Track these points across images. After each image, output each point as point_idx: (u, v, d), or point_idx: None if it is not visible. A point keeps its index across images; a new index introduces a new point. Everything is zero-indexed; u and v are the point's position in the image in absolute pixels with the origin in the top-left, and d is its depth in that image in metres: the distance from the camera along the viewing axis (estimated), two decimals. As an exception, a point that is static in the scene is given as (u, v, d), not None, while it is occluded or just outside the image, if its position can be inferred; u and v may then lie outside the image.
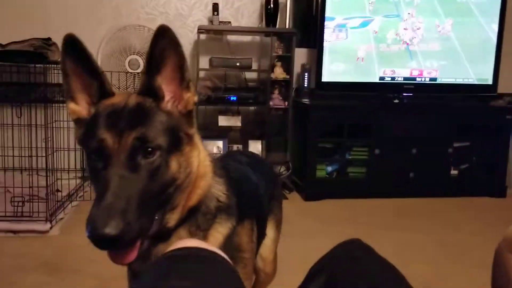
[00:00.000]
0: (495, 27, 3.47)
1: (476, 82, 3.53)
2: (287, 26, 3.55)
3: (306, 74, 3.49)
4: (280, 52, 3.37)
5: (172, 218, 0.85)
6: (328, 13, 3.31)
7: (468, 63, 3.50)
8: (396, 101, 3.41)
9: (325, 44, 3.33)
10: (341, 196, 3.31)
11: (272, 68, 3.34)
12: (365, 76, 3.43)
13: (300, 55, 3.63)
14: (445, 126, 3.40)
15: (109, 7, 3.39)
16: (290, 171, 3.58)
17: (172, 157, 0.81)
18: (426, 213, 3.05)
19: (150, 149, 0.78)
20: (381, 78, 3.44)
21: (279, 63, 3.36)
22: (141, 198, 0.74)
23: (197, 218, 0.89)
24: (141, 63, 2.95)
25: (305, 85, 3.50)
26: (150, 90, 0.83)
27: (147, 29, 3.00)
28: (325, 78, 3.39)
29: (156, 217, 0.80)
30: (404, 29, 3.40)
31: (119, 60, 2.95)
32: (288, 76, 3.33)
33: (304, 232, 2.60)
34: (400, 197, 3.34)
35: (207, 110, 3.36)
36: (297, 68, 3.54)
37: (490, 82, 3.53)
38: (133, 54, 2.95)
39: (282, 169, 3.61)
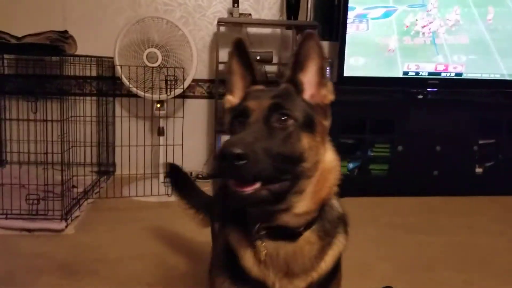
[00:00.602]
0: (525, 20, 3.34)
1: (503, 78, 3.40)
2: (308, 18, 3.45)
3: (327, 68, 3.39)
4: (301, 45, 3.27)
5: (300, 204, 0.89)
6: (350, 3, 3.20)
7: (497, 57, 3.38)
8: (420, 96, 3.31)
9: (348, 36, 3.23)
10: (362, 194, 3.22)
11: (293, 62, 3.24)
12: (388, 70, 3.32)
13: (324, 47, 3.52)
14: (470, 123, 3.30)
15: (127, -3, 3.32)
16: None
17: (304, 134, 0.88)
18: (451, 212, 2.97)
19: (285, 117, 0.86)
20: (405, 73, 3.33)
21: (300, 57, 3.26)
22: (270, 151, 0.81)
23: (325, 223, 0.94)
24: (160, 56, 2.87)
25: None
26: (293, 83, 0.94)
27: (165, 21, 2.91)
28: (347, 72, 3.29)
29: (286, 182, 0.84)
30: (429, 20, 3.28)
31: (137, 53, 2.88)
32: (310, 70, 3.23)
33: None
34: (423, 196, 3.25)
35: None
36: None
37: (517, 77, 3.41)
38: (152, 47, 2.88)
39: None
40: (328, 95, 0.97)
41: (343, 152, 3.24)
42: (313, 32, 0.92)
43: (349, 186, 3.27)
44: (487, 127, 3.36)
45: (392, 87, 3.36)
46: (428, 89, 3.35)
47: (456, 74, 3.38)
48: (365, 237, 2.42)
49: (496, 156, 3.39)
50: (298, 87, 0.94)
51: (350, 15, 3.21)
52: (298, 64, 0.95)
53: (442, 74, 3.37)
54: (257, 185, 0.80)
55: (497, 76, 3.41)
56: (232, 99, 0.99)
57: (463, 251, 2.35)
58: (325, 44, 3.55)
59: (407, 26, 3.27)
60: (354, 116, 3.25)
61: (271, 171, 0.80)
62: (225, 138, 3.25)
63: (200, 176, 3.44)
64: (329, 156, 0.96)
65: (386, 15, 3.27)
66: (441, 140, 3.27)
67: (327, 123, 0.97)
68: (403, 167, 3.27)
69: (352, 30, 3.23)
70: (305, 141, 0.87)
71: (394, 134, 3.25)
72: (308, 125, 0.89)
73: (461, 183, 3.33)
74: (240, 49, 0.97)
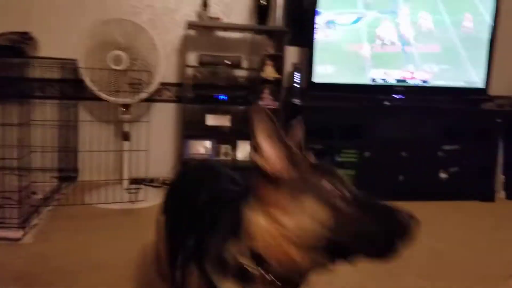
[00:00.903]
0: (486, 31, 3.44)
1: (467, 85, 3.49)
2: (278, 24, 3.44)
3: (297, 73, 3.39)
4: (271, 51, 3.26)
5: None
6: (323, 9, 3.22)
7: (460, 66, 3.46)
8: (387, 103, 3.35)
9: (316, 42, 3.24)
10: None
11: (262, 67, 3.24)
12: (357, 77, 3.35)
13: (292, 54, 3.53)
14: (435, 129, 3.36)
15: (92, -1, 3.23)
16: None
17: None
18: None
19: None
20: (373, 80, 3.37)
21: (270, 62, 3.25)
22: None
23: None
24: (125, 59, 2.80)
25: (296, 85, 3.40)
26: None
27: (131, 23, 2.85)
28: (317, 78, 3.30)
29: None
30: (397, 27, 3.34)
31: (102, 55, 2.80)
32: (279, 76, 3.23)
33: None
34: (389, 200, 3.28)
35: (194, 108, 3.23)
36: (288, 67, 3.45)
37: (480, 85, 3.50)
38: (118, 49, 2.80)
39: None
40: None
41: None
42: (259, 108, 0.87)
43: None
44: (452, 133, 3.42)
45: (360, 93, 3.39)
46: (395, 96, 3.40)
47: (423, 82, 3.44)
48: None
49: (460, 162, 3.46)
50: None
51: (320, 21, 3.23)
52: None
53: (409, 81, 3.43)
54: None
55: (461, 84, 3.49)
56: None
57: (427, 257, 2.37)
58: (295, 50, 3.57)
59: (376, 33, 3.32)
60: (322, 122, 3.25)
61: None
62: (193, 143, 3.20)
63: (166, 182, 3.38)
64: None
65: (356, 21, 3.30)
66: (407, 146, 3.32)
67: None
68: (370, 173, 3.29)
69: (321, 36, 3.25)
70: None
71: (361, 140, 3.28)
72: None
73: (426, 188, 3.39)
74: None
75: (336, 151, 3.30)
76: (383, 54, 3.35)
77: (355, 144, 3.31)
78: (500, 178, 3.56)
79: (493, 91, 3.69)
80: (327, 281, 1.97)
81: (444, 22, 3.38)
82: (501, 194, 3.55)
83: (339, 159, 3.32)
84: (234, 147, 3.28)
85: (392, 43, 3.34)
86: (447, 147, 3.43)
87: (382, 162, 3.31)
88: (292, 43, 3.58)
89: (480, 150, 3.49)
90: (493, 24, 3.44)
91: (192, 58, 3.17)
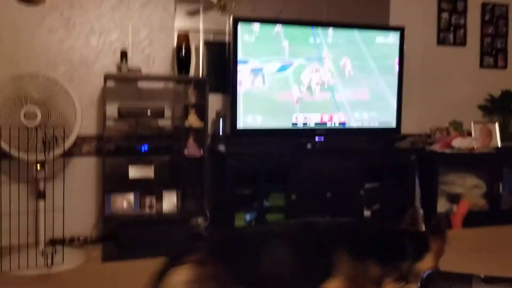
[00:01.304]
0: (396, 76, 3.71)
1: (382, 126, 3.71)
2: (200, 72, 3.49)
3: (221, 120, 3.42)
4: (194, 99, 3.27)
5: None
6: (242, 57, 3.31)
7: (374, 108, 3.68)
8: (309, 146, 3.46)
9: (239, 89, 3.32)
10: (261, 245, 3.22)
11: (186, 115, 3.23)
12: (280, 122, 3.45)
13: (215, 101, 3.57)
14: (356, 169, 3.50)
15: (4, 52, 3.09)
16: (208, 221, 3.44)
17: None
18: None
19: None
20: (294, 124, 3.48)
21: (193, 110, 3.25)
22: None
23: None
24: (39, 114, 2.68)
25: (221, 132, 3.43)
26: None
27: (45, 77, 2.75)
28: (241, 124, 3.35)
29: None
30: (321, 73, 3.50)
31: (12, 111, 2.65)
32: (202, 124, 3.23)
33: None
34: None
35: (115, 161, 3.13)
36: (212, 115, 3.47)
37: (394, 125, 3.73)
38: (31, 104, 2.68)
39: (199, 220, 3.46)
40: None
41: (239, 204, 3.27)
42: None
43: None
44: (371, 172, 3.59)
45: (284, 138, 3.49)
46: (316, 139, 3.53)
47: (340, 124, 3.61)
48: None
49: (381, 199, 3.62)
50: None
51: (245, 69, 3.32)
52: None
53: (328, 124, 3.58)
54: None
55: (376, 124, 3.70)
56: None
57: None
58: (219, 97, 3.62)
59: (301, 79, 3.46)
60: (249, 167, 3.29)
61: None
62: (115, 197, 3.08)
63: (87, 240, 3.20)
64: None
65: (281, 68, 3.43)
66: (331, 186, 3.42)
67: None
68: (298, 215, 3.32)
69: (246, 83, 3.33)
70: None
71: (287, 183, 3.33)
72: None
73: (352, 227, 3.48)
74: None
75: (264, 195, 3.33)
76: (306, 100, 3.48)
77: (281, 188, 3.36)
78: (420, 211, 3.73)
79: (406, 130, 3.96)
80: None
81: (364, 67, 3.61)
82: (421, 227, 3.72)
83: (267, 204, 3.35)
84: (159, 198, 3.19)
85: (315, 89, 3.49)
86: (368, 186, 3.58)
87: (308, 203, 3.37)
88: (215, 91, 3.64)
89: (399, 187, 3.68)
90: (400, 68, 3.72)
91: (112, 110, 3.10)
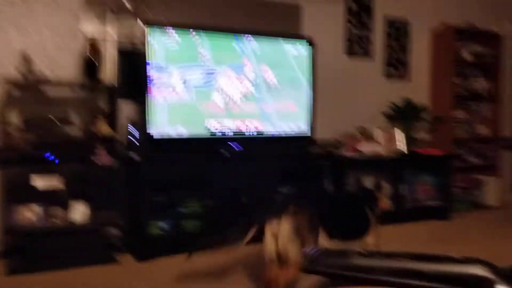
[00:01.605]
0: (308, 85, 3.88)
1: (296, 133, 3.85)
2: (111, 78, 3.41)
3: (134, 128, 3.36)
4: (103, 106, 3.19)
5: None
6: (156, 63, 3.28)
7: (289, 116, 3.81)
8: (227, 154, 3.50)
9: (153, 96, 3.28)
10: (177, 252, 3.19)
11: (95, 123, 3.14)
12: (196, 129, 3.45)
13: (129, 109, 3.51)
14: (271, 175, 3.59)
15: None
16: (122, 231, 3.35)
17: None
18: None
19: None
20: (211, 132, 3.51)
21: (103, 118, 3.17)
22: None
23: None
24: None
25: (134, 140, 3.36)
26: None
27: None
28: (156, 132, 3.31)
29: None
30: (239, 81, 3.56)
31: None
32: (113, 131, 3.15)
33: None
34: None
35: (18, 171, 2.95)
36: (125, 122, 3.40)
37: (307, 132, 3.89)
38: None
39: (113, 230, 3.36)
40: None
41: (156, 211, 3.22)
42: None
43: (163, 246, 3.24)
44: (286, 178, 3.70)
45: (200, 145, 3.49)
46: (234, 147, 3.58)
47: (257, 132, 3.69)
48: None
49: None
50: None
51: (160, 75, 3.29)
52: None
53: (245, 133, 3.64)
54: None
55: (291, 132, 3.83)
56: None
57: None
58: (131, 105, 3.56)
59: (218, 87, 3.49)
60: (164, 175, 3.25)
61: None
62: (20, 209, 2.90)
63: None
64: None
65: (198, 75, 3.43)
66: (247, 192, 3.47)
67: None
68: (214, 222, 3.35)
69: (160, 89, 3.30)
70: None
71: (204, 190, 3.34)
72: None
73: (267, 231, 3.56)
74: None
75: (180, 203, 3.30)
76: (223, 108, 3.52)
77: (198, 195, 3.36)
78: (330, 214, 3.91)
79: (318, 136, 4.14)
80: None
81: (279, 76, 3.72)
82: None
83: (183, 211, 3.33)
84: (69, 209, 3.05)
85: (232, 97, 3.54)
86: (283, 191, 3.69)
87: (225, 210, 3.39)
88: (127, 97, 3.57)
89: (312, 190, 3.83)
90: (312, 77, 3.89)
91: (15, 117, 2.93)
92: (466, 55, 4.98)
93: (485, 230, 3.91)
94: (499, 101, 5.17)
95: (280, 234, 2.19)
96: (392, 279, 0.98)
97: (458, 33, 4.88)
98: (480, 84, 5.13)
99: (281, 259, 2.18)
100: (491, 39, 5.13)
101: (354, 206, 2.74)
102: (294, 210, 2.26)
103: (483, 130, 5.16)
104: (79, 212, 3.05)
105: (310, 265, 1.10)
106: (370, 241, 2.58)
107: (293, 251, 2.16)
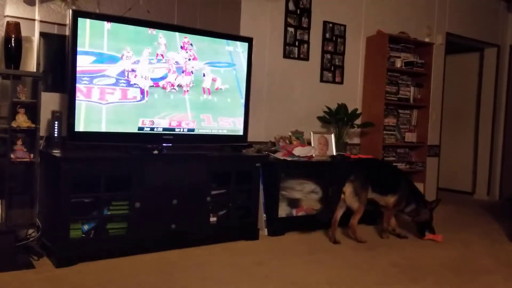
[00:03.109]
0: (244, 85, 3.82)
1: (229, 133, 3.78)
2: (34, 68, 3.15)
3: (56, 122, 3.13)
4: (23, 97, 2.93)
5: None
6: (84, 52, 3.07)
7: (223, 115, 3.73)
8: (156, 152, 3.36)
9: (79, 87, 3.07)
10: (100, 257, 3.02)
11: (14, 115, 2.88)
12: (124, 125, 3.28)
13: (52, 101, 3.27)
14: (204, 175, 3.50)
15: None
16: (40, 233, 3.11)
17: None
18: (185, 266, 3.02)
19: None
20: (140, 129, 3.35)
21: (22, 110, 2.91)
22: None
23: None
24: None
25: (56, 134, 3.13)
26: None
27: None
28: (80, 126, 3.11)
29: None
30: (169, 74, 3.42)
31: None
32: (33, 125, 2.91)
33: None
34: (163, 250, 3.25)
35: None
36: (48, 115, 3.17)
37: (241, 132, 3.83)
38: None
39: (30, 231, 3.12)
40: None
41: (78, 212, 3.02)
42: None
43: (85, 250, 3.05)
44: (219, 178, 3.62)
45: (128, 142, 3.32)
46: (164, 144, 3.44)
47: (189, 130, 3.58)
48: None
49: (227, 205, 3.67)
50: None
51: (86, 65, 3.08)
52: None
53: (176, 129, 3.52)
54: None
55: (225, 132, 3.76)
56: None
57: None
58: (56, 96, 3.33)
59: (148, 82, 3.33)
60: (88, 173, 3.05)
61: None
62: None
63: None
64: None
65: (126, 68, 3.25)
66: (177, 193, 3.36)
67: None
68: (142, 224, 3.21)
69: (87, 81, 3.09)
70: None
71: (131, 190, 3.18)
72: None
73: (197, 234, 3.47)
74: None
75: (105, 204, 3.12)
76: (149, 101, 3.36)
77: (125, 195, 3.19)
78: (262, 216, 3.89)
79: (253, 138, 4.11)
80: None
81: (214, 74, 3.62)
82: (264, 231, 3.88)
83: (108, 213, 3.15)
84: (-23, 209, 2.78)
85: (163, 92, 3.40)
86: (215, 192, 3.61)
87: (154, 212, 3.26)
88: (54, 89, 3.34)
89: (244, 193, 3.79)
90: (248, 77, 3.84)
91: None
92: (398, 62, 5.17)
93: (412, 231, 4.09)
94: (426, 109, 5.41)
95: (346, 194, 3.72)
96: None
97: (391, 41, 5.04)
98: (410, 91, 5.35)
99: (350, 208, 3.77)
100: (422, 48, 5.37)
101: (392, 175, 4.07)
102: (354, 177, 3.74)
103: (410, 137, 5.38)
104: (-10, 212, 2.79)
105: None
106: (390, 200, 3.93)
107: (354, 204, 3.72)
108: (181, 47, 3.48)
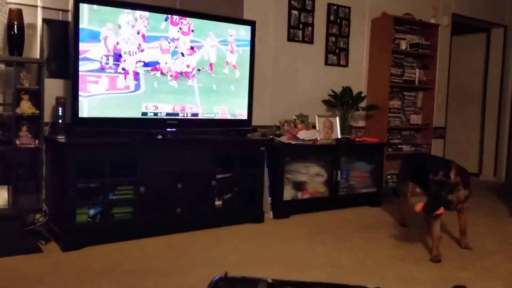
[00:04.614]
0: (247, 69, 3.80)
1: (233, 117, 3.78)
2: (38, 54, 3.16)
3: (61, 107, 3.15)
4: (27, 84, 2.94)
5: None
6: (88, 38, 3.07)
7: (226, 99, 3.73)
8: (160, 136, 3.37)
9: (83, 73, 3.07)
10: (106, 241, 3.06)
11: (18, 102, 2.89)
12: (127, 111, 3.29)
13: (56, 87, 3.29)
14: (208, 160, 3.51)
15: None
16: (47, 218, 3.15)
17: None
18: (192, 249, 3.05)
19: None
20: (144, 114, 3.36)
21: (26, 96, 2.93)
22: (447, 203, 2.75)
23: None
24: None
25: (61, 120, 3.15)
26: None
27: None
28: (84, 112, 3.12)
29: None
30: (174, 61, 3.41)
31: None
32: (38, 111, 2.93)
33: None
34: (168, 234, 3.28)
35: None
36: (52, 102, 3.18)
37: (245, 117, 3.83)
38: None
39: (37, 216, 3.16)
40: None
41: (83, 198, 3.05)
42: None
43: (91, 234, 3.09)
44: (224, 162, 3.64)
45: (132, 128, 3.34)
46: (168, 129, 3.45)
47: (193, 115, 3.58)
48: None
49: (232, 189, 3.69)
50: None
51: (91, 51, 3.08)
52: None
53: (180, 114, 3.52)
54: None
55: (228, 116, 3.76)
56: None
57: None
58: (60, 83, 3.34)
59: (152, 65, 3.32)
60: (93, 158, 3.09)
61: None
62: None
63: None
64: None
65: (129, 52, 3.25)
66: (182, 178, 3.38)
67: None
68: (147, 208, 3.24)
69: (91, 67, 3.10)
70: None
71: (136, 175, 3.20)
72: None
73: (203, 217, 3.50)
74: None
75: (110, 188, 3.15)
76: (156, 87, 3.37)
77: (129, 180, 3.22)
78: (267, 200, 3.91)
79: (257, 122, 4.10)
80: None
81: (218, 58, 3.61)
82: (269, 214, 3.91)
83: (113, 197, 3.18)
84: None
85: (167, 77, 3.40)
86: (220, 176, 3.62)
87: (158, 196, 3.29)
88: (57, 75, 3.35)
89: (249, 176, 3.80)
90: (251, 61, 3.82)
91: None
92: (403, 44, 5.11)
93: (416, 216, 4.07)
94: (432, 91, 5.37)
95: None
96: None
97: (396, 22, 4.99)
98: (415, 74, 5.30)
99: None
100: (427, 29, 5.30)
101: None
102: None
103: (416, 119, 5.35)
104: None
105: None
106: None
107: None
108: (187, 32, 3.47)
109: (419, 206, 2.88)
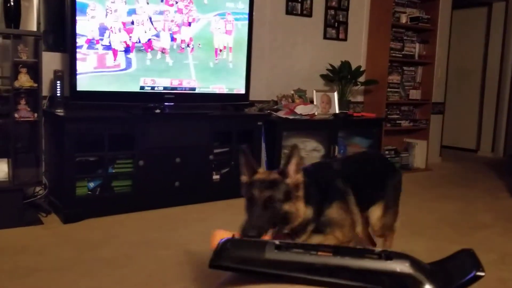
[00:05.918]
0: (245, 42, 3.78)
1: (231, 92, 3.78)
2: (35, 27, 3.14)
3: (58, 82, 3.15)
4: (24, 57, 2.93)
5: (287, 229, 1.60)
6: (85, 10, 3.05)
7: (224, 73, 3.72)
8: (158, 111, 3.38)
9: (80, 45, 3.06)
10: (105, 213, 3.10)
11: (16, 75, 2.89)
12: (125, 85, 3.29)
13: (53, 60, 3.28)
14: (206, 134, 3.53)
15: None
16: (47, 190, 3.19)
17: (285, 204, 1.54)
18: (189, 221, 3.10)
19: (274, 202, 1.52)
20: (142, 88, 3.36)
21: (24, 70, 2.93)
22: (268, 221, 1.50)
23: (308, 227, 1.67)
24: None
25: (59, 94, 3.16)
26: (282, 172, 1.55)
27: None
28: (82, 86, 3.12)
29: (276, 228, 1.55)
30: (168, 34, 3.39)
31: None
32: (36, 84, 2.93)
33: (59, 264, 2.32)
34: (167, 207, 3.33)
35: None
36: (50, 75, 3.18)
37: (243, 91, 3.83)
38: None
39: (38, 189, 3.20)
40: (299, 178, 1.56)
41: (82, 172, 3.09)
42: (296, 145, 1.64)
43: (91, 207, 3.14)
44: (221, 137, 3.66)
45: (130, 102, 3.34)
46: (165, 104, 3.46)
47: (190, 89, 3.58)
48: (101, 263, 2.32)
49: (229, 163, 3.72)
50: (285, 175, 1.55)
51: (88, 23, 3.06)
52: (287, 161, 1.56)
53: (178, 88, 3.52)
54: (265, 235, 1.49)
55: (227, 90, 3.76)
56: (245, 179, 1.60)
57: (198, 260, 2.47)
58: (58, 56, 3.33)
59: (143, 39, 3.31)
60: (92, 132, 3.11)
61: (267, 230, 1.50)
62: None
63: None
64: (301, 205, 1.59)
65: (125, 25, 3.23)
66: (180, 152, 3.40)
67: (299, 193, 1.57)
68: (146, 182, 3.28)
69: (87, 41, 3.08)
70: (286, 207, 1.54)
71: (134, 149, 3.23)
72: (287, 198, 1.54)
73: (200, 191, 3.54)
74: (246, 155, 1.60)
75: (109, 162, 3.18)
76: (150, 60, 3.36)
77: (128, 154, 3.25)
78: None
79: (255, 96, 4.10)
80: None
81: (215, 32, 3.58)
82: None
83: (113, 171, 3.21)
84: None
85: (165, 51, 3.38)
86: (217, 150, 3.65)
87: (157, 170, 3.32)
88: (55, 49, 3.33)
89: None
90: (249, 35, 3.79)
91: None
92: (403, 18, 5.07)
93: (412, 191, 4.11)
94: (431, 65, 5.34)
95: None
96: (309, 277, 0.91)
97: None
98: (415, 48, 5.27)
99: None
100: (428, 3, 5.24)
101: None
102: None
103: (415, 94, 5.35)
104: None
105: (216, 260, 0.99)
106: None
107: None
108: (187, 3, 3.44)
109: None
